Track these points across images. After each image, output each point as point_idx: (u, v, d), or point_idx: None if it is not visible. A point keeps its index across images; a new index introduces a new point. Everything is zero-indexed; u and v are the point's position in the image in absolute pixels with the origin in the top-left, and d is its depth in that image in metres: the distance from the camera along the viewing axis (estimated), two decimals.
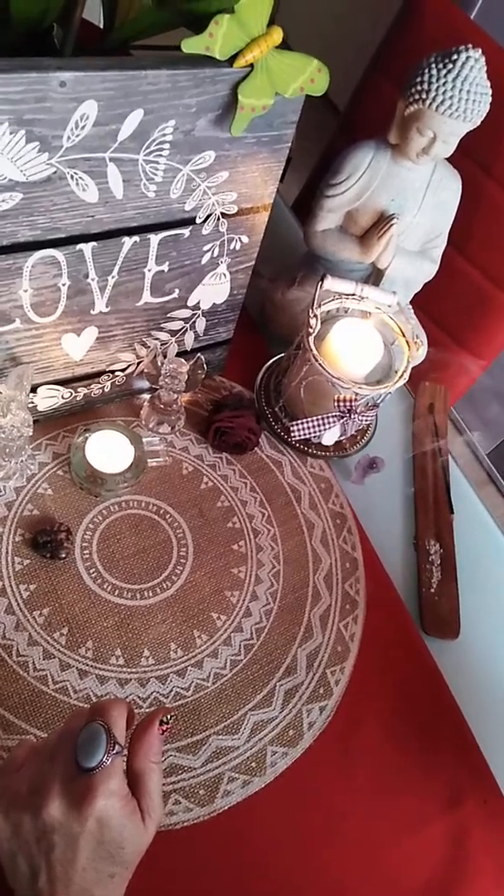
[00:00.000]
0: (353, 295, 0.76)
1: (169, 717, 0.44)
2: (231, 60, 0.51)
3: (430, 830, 0.63)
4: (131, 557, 0.69)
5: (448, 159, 0.78)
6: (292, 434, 0.76)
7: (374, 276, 0.84)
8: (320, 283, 0.74)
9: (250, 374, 0.85)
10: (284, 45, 0.54)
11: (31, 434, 0.65)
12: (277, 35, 0.51)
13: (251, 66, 0.52)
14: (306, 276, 0.86)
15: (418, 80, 0.68)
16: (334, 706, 0.66)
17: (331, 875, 0.59)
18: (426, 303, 0.96)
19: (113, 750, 0.39)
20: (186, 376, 0.71)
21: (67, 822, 0.38)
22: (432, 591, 0.75)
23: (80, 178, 0.52)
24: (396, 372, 0.75)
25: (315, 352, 0.72)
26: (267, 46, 0.51)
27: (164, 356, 0.74)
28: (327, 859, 0.60)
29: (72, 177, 0.52)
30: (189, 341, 0.75)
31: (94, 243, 0.58)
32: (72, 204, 0.54)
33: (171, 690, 0.63)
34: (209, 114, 0.53)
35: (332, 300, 0.77)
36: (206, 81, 0.51)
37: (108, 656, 0.63)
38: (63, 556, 0.66)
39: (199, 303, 0.71)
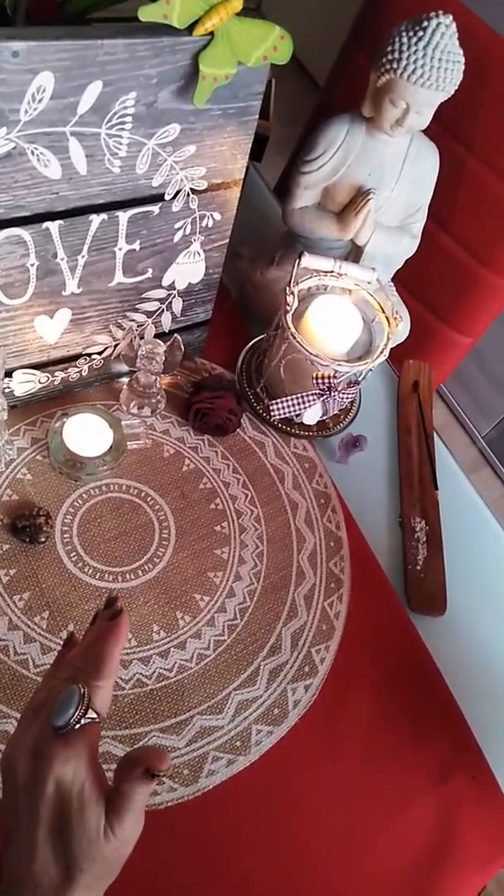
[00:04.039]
0: (332, 272, 0.76)
1: (161, 772, 0.39)
2: (190, 29, 0.50)
3: (418, 807, 0.63)
4: (112, 540, 0.69)
5: (428, 134, 0.77)
6: (272, 413, 0.75)
7: (354, 253, 0.83)
8: (298, 261, 0.73)
9: (232, 356, 0.85)
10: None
11: (6, 419, 0.65)
12: (237, 2, 0.50)
13: (211, 34, 0.51)
14: (285, 256, 0.86)
15: (389, 49, 0.67)
16: (320, 684, 0.66)
17: (317, 853, 0.59)
18: (410, 280, 0.95)
19: (85, 713, 0.38)
20: (164, 357, 0.70)
21: (30, 782, 0.37)
22: (418, 568, 0.75)
23: (42, 153, 0.51)
24: (376, 349, 0.75)
25: (292, 329, 0.71)
26: (227, 13, 0.50)
27: (142, 338, 0.74)
28: (313, 836, 0.60)
29: (32, 152, 0.51)
30: (166, 322, 0.75)
31: (60, 221, 0.57)
32: (34, 181, 0.53)
33: (154, 672, 0.63)
34: (171, 85, 0.53)
35: (310, 278, 0.76)
36: (166, 51, 0.50)
37: None
38: (42, 540, 0.66)
39: (174, 282, 0.70)
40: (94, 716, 0.38)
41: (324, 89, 1.08)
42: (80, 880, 0.37)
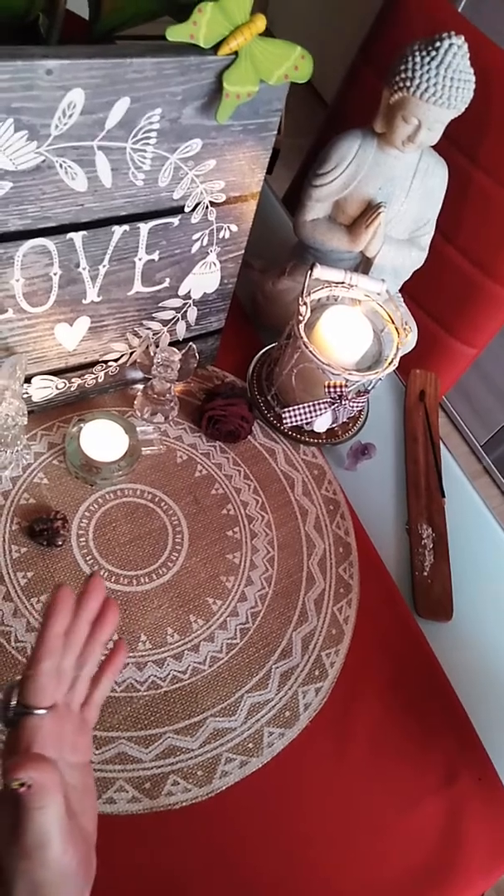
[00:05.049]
0: (343, 283, 0.77)
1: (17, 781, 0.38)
2: (215, 48, 0.52)
3: (426, 808, 0.64)
4: (127, 544, 0.70)
5: (435, 149, 0.79)
6: (284, 420, 0.77)
7: (363, 265, 0.85)
8: (310, 272, 0.75)
9: (242, 365, 0.86)
10: (269, 36, 0.54)
11: (25, 423, 0.66)
12: (261, 23, 0.52)
13: (235, 53, 0.52)
14: (296, 267, 0.87)
15: (402, 67, 0.69)
16: (330, 687, 0.67)
17: (327, 853, 0.60)
18: (416, 292, 0.97)
19: (6, 706, 0.41)
20: (179, 365, 0.72)
21: None
22: (425, 574, 0.76)
23: (69, 166, 0.53)
24: (386, 358, 0.76)
25: (305, 339, 0.73)
26: (251, 34, 0.52)
27: (157, 346, 0.75)
28: (324, 837, 0.61)
29: (60, 165, 0.52)
30: (181, 331, 0.76)
31: (84, 232, 0.58)
32: (61, 193, 0.54)
33: (168, 674, 0.64)
34: (195, 102, 0.54)
35: (322, 288, 0.78)
36: (192, 69, 0.52)
37: (106, 641, 0.64)
38: (59, 543, 0.67)
39: (189, 292, 0.72)
40: (23, 708, 0.40)
41: (333, 104, 1.10)
42: (15, 893, 0.37)
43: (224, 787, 0.60)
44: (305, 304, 0.74)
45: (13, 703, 0.40)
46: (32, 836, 0.37)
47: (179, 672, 0.64)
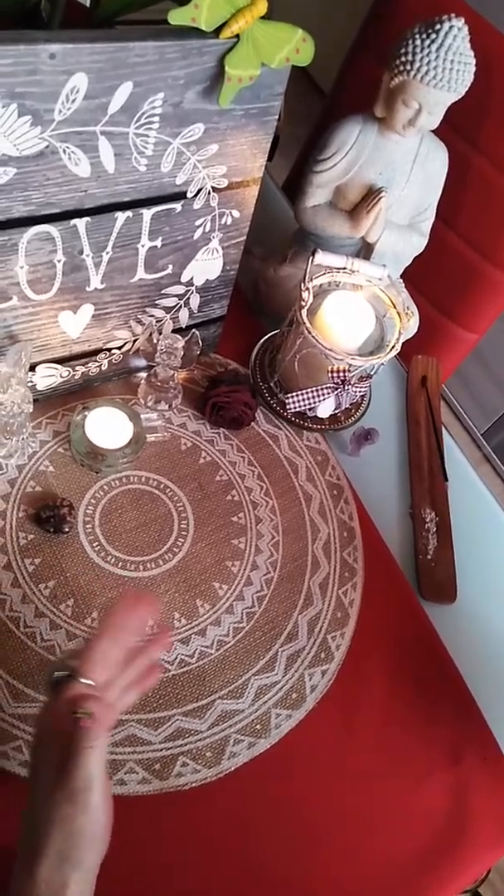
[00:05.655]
0: (344, 269, 0.77)
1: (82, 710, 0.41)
2: (217, 31, 0.52)
3: (431, 788, 0.65)
4: (133, 531, 0.70)
5: (436, 134, 0.79)
6: (287, 406, 0.77)
7: (364, 251, 0.85)
8: (311, 258, 0.75)
9: (245, 352, 0.86)
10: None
11: (31, 411, 0.66)
12: (262, 5, 0.52)
13: (237, 36, 0.53)
14: (298, 253, 0.87)
15: (402, 51, 0.69)
16: (336, 670, 0.68)
17: (336, 832, 0.61)
18: (417, 278, 0.97)
19: (56, 670, 0.44)
20: (182, 352, 0.72)
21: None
22: (429, 557, 0.77)
23: (73, 152, 0.53)
24: (388, 343, 0.76)
25: (308, 324, 0.73)
26: (252, 17, 0.52)
27: (160, 333, 0.75)
28: (332, 817, 0.61)
29: (64, 151, 0.52)
30: (184, 318, 0.76)
31: (87, 218, 0.59)
32: (65, 178, 0.55)
33: (176, 657, 0.65)
34: (197, 86, 0.54)
35: (324, 274, 0.78)
36: (193, 53, 0.52)
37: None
38: (66, 530, 0.67)
39: (192, 279, 0.72)
40: (71, 672, 0.43)
41: (331, 91, 1.10)
42: (46, 848, 0.38)
43: (232, 768, 0.61)
44: (307, 289, 0.75)
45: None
46: (79, 778, 0.38)
47: (187, 656, 0.65)
